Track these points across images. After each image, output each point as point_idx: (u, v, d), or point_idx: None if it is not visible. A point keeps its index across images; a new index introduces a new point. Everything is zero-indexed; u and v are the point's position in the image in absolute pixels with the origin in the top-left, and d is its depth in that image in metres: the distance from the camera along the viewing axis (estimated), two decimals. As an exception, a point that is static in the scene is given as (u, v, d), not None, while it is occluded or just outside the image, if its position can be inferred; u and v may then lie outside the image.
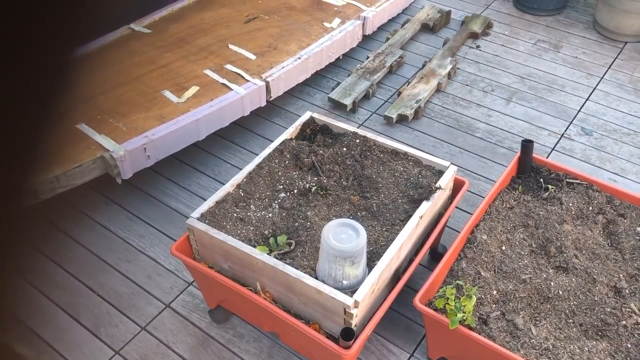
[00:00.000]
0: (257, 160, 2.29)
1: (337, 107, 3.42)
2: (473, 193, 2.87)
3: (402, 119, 3.32)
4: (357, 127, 3.31)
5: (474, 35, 3.98)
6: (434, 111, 3.41)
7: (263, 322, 2.18)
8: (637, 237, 2.17)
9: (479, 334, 1.88)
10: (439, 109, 3.43)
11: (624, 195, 2.30)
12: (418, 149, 2.37)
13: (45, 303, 2.44)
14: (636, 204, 2.28)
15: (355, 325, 1.87)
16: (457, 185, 2.36)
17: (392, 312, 2.36)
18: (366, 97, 3.49)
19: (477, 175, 2.99)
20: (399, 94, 3.44)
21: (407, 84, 3.52)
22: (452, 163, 2.30)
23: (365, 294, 1.83)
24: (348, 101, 3.36)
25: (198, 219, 2.07)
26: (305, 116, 2.51)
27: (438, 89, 3.53)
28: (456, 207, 2.67)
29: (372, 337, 2.30)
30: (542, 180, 2.36)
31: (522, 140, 2.39)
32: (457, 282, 1.97)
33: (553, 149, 3.14)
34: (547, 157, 3.07)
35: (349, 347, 1.80)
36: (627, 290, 2.01)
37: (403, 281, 2.01)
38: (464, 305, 1.87)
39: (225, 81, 3.04)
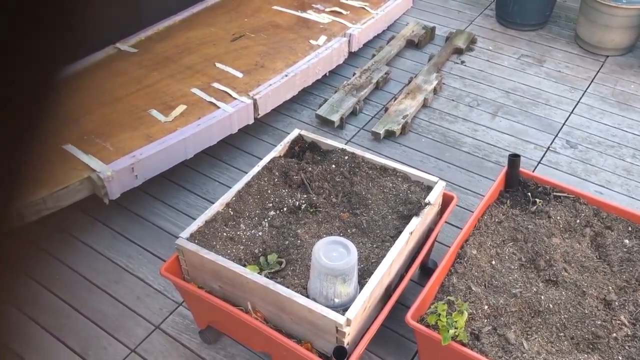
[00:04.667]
0: (246, 178, 2.29)
1: (324, 123, 3.43)
2: (462, 207, 2.89)
3: (389, 134, 3.33)
4: (345, 144, 3.32)
5: (459, 51, 4.03)
6: (420, 126, 3.44)
7: (255, 342, 2.16)
8: (625, 249, 2.19)
9: (471, 349, 1.88)
10: (425, 124, 3.45)
11: (611, 208, 2.33)
12: (406, 165, 2.39)
13: (30, 326, 2.40)
14: (623, 216, 2.30)
15: (348, 344, 1.86)
16: (446, 201, 2.37)
17: (384, 329, 2.35)
18: (353, 113, 3.50)
19: (465, 190, 3.01)
20: (386, 109, 3.46)
21: (393, 99, 3.55)
22: (440, 178, 2.31)
23: (357, 311, 1.82)
24: (335, 117, 3.37)
25: (187, 239, 2.05)
26: (294, 134, 2.52)
27: (424, 105, 3.56)
28: (445, 222, 2.68)
29: (364, 355, 2.28)
30: (529, 194, 2.38)
31: (509, 155, 2.41)
32: (449, 297, 1.97)
33: (539, 162, 3.17)
34: (533, 171, 3.10)
35: (342, 366, 1.79)
36: (616, 303, 2.02)
37: (394, 298, 2.01)
38: (455, 321, 1.87)
39: (212, 99, 3.04)
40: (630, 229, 2.26)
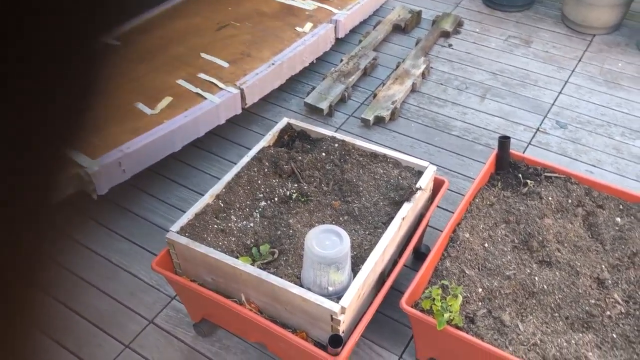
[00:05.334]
0: (236, 169, 2.26)
1: (313, 111, 3.40)
2: (453, 191, 2.88)
3: (378, 120, 3.31)
4: (335, 131, 3.30)
5: (446, 34, 4.00)
6: (410, 111, 3.42)
7: (249, 333, 2.15)
8: (617, 228, 2.20)
9: (467, 332, 1.88)
10: (414, 109, 3.43)
11: (602, 187, 2.33)
12: (396, 150, 2.37)
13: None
14: (614, 195, 2.31)
15: (343, 331, 1.85)
16: (437, 185, 2.36)
17: (379, 315, 2.35)
18: (342, 100, 3.48)
19: (456, 174, 3.00)
20: (375, 95, 3.44)
21: (382, 85, 3.52)
22: (430, 163, 2.30)
23: (352, 299, 1.81)
24: (324, 105, 3.35)
25: (178, 232, 2.03)
26: (283, 122, 2.49)
27: (413, 89, 3.54)
28: (437, 207, 2.68)
29: (359, 341, 2.28)
30: (520, 175, 2.37)
31: (499, 137, 2.40)
32: (443, 282, 1.97)
33: (529, 143, 3.17)
34: (523, 152, 3.09)
35: (338, 354, 1.78)
36: (609, 281, 2.03)
37: (388, 284, 2.00)
38: (450, 305, 1.87)
39: (199, 90, 3.00)
40: (621, 207, 2.27)
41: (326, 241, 1.82)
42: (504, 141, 2.39)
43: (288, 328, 1.93)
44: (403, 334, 2.31)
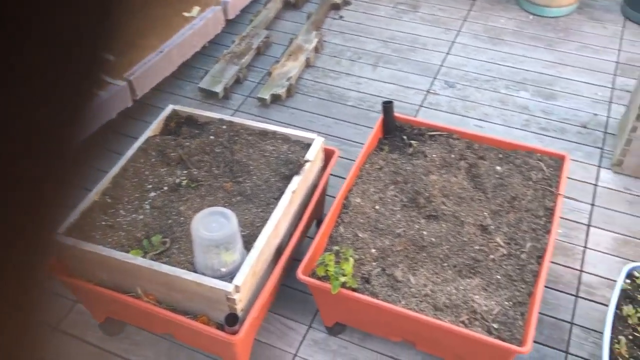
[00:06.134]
0: (121, 162, 2.22)
1: (209, 96, 3.37)
2: (352, 160, 2.94)
3: (275, 98, 3.32)
4: (233, 114, 3.29)
5: (336, 7, 4.04)
6: (306, 86, 3.45)
7: (154, 325, 2.14)
8: (497, 176, 2.32)
9: (362, 293, 1.95)
10: (310, 84, 3.47)
11: (482, 139, 2.45)
12: (295, 127, 2.40)
13: None
14: (493, 145, 2.43)
15: (242, 310, 1.88)
16: (329, 155, 2.41)
17: (287, 289, 2.39)
18: (237, 81, 3.46)
19: (354, 143, 3.07)
20: (270, 74, 3.44)
21: (276, 63, 3.53)
22: (329, 134, 2.34)
23: (245, 277, 1.83)
24: (219, 88, 3.32)
25: (64, 234, 1.97)
26: (167, 110, 2.46)
27: (307, 64, 3.56)
28: (336, 176, 2.74)
29: (269, 318, 2.32)
30: (405, 137, 2.46)
31: (383, 102, 2.47)
32: (334, 247, 2.02)
33: (421, 105, 3.27)
34: (416, 115, 3.20)
35: (236, 332, 1.80)
36: (492, 227, 2.15)
37: (285, 257, 2.04)
38: (343, 269, 1.93)
39: (83, 87, 2.90)
40: (500, 156, 2.40)
41: (213, 223, 1.82)
42: (387, 106, 2.46)
43: (189, 314, 1.94)
44: (311, 304, 2.36)
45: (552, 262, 2.48)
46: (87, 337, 2.30)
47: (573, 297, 2.38)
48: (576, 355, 2.20)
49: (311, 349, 2.24)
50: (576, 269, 2.47)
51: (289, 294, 2.38)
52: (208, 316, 1.93)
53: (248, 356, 2.06)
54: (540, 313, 2.31)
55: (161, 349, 2.25)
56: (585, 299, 2.37)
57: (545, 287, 2.39)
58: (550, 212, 2.17)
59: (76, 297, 2.27)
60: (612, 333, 1.91)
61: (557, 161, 2.34)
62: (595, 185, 2.81)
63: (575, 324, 2.30)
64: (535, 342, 2.23)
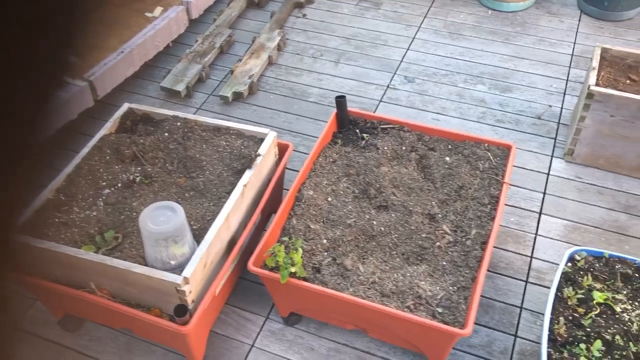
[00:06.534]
0: (76, 161, 2.25)
1: (171, 95, 3.40)
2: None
3: (237, 96, 3.36)
4: (195, 111, 3.33)
5: (299, 5, 4.09)
6: (268, 84, 3.49)
7: (112, 320, 2.17)
8: (446, 166, 2.38)
9: (313, 282, 2.00)
10: (273, 81, 3.51)
11: (432, 131, 2.51)
12: (257, 123, 2.44)
13: None
14: (443, 137, 2.50)
15: (193, 301, 1.92)
16: (283, 149, 2.46)
17: (245, 282, 2.44)
18: (200, 80, 3.49)
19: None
20: (232, 72, 3.48)
21: (239, 61, 3.57)
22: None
23: (195, 269, 1.87)
24: (181, 87, 3.35)
25: (17, 232, 2.00)
26: (123, 108, 2.49)
27: (270, 62, 3.61)
28: (295, 170, 2.78)
29: (227, 310, 2.36)
30: (358, 130, 2.51)
31: (335, 97, 2.52)
32: (283, 238, 2.07)
33: (380, 100, 3.33)
34: (375, 110, 3.26)
35: (187, 323, 1.85)
36: (439, 215, 2.21)
37: (236, 249, 2.08)
38: (292, 259, 1.98)
39: (42, 88, 2.92)
40: (450, 147, 2.46)
41: (160, 217, 1.86)
42: (340, 100, 2.51)
43: (143, 308, 1.97)
44: (268, 296, 2.40)
45: (504, 250, 2.56)
46: (45, 334, 2.33)
47: (523, 283, 2.45)
48: (524, 339, 2.27)
49: (268, 339, 2.29)
50: (527, 256, 2.54)
51: (247, 287, 2.43)
52: (161, 309, 1.97)
53: (203, 348, 2.10)
54: (491, 299, 2.39)
55: (120, 344, 2.28)
56: (535, 284, 2.45)
57: (497, 273, 2.47)
58: (495, 199, 2.24)
59: (33, 295, 2.29)
60: (553, 314, 1.98)
61: (504, 151, 2.41)
62: (548, 174, 2.89)
63: (525, 309, 2.37)
64: (485, 326, 2.31)
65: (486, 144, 2.43)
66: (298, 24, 3.96)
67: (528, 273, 2.48)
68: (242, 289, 2.41)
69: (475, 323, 2.30)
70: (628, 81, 2.78)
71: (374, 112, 2.73)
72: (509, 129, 3.13)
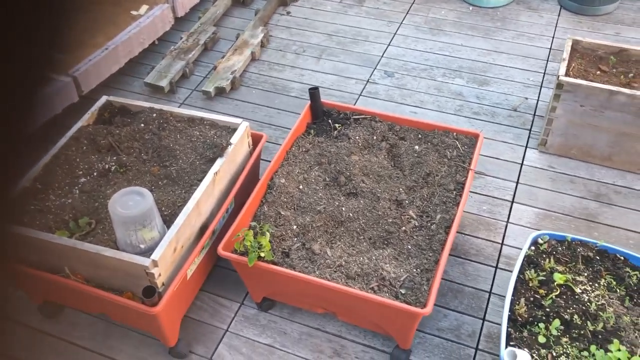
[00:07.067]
0: (53, 151, 2.31)
1: (155, 90, 3.47)
2: (290, 147, 3.05)
3: (220, 91, 3.43)
4: (179, 106, 3.39)
5: (284, 3, 4.16)
6: (250, 79, 3.56)
7: (88, 305, 2.23)
8: (415, 155, 2.44)
9: (281, 266, 2.06)
10: (255, 77, 3.58)
11: (403, 121, 2.57)
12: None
13: None
14: (413, 127, 2.55)
15: (163, 284, 1.98)
16: (257, 140, 2.52)
17: (222, 270, 2.50)
18: (184, 76, 3.56)
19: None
20: (215, 68, 3.55)
21: (222, 57, 3.63)
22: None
23: (163, 252, 1.93)
24: (164, 83, 3.42)
25: (-7, 218, 2.06)
26: (101, 101, 2.56)
27: (253, 58, 3.67)
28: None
29: (202, 296, 2.42)
30: (331, 121, 2.57)
31: (309, 89, 2.59)
32: (251, 223, 2.13)
33: (360, 94, 3.39)
34: (355, 103, 3.32)
35: (155, 304, 1.90)
36: (406, 201, 2.27)
37: (207, 234, 2.14)
38: (259, 242, 2.03)
39: (26, 83, 2.99)
40: (420, 136, 2.52)
41: (129, 202, 1.92)
42: (313, 92, 2.57)
43: (115, 292, 2.03)
44: (243, 283, 2.46)
45: (475, 237, 2.61)
46: (24, 320, 2.38)
47: (493, 269, 2.50)
48: (492, 322, 2.32)
49: (242, 324, 2.35)
50: (498, 243, 2.60)
51: (223, 274, 2.49)
52: (133, 292, 2.03)
53: (176, 331, 2.16)
54: (461, 284, 2.44)
55: (98, 329, 2.34)
56: (505, 269, 2.50)
57: (468, 260, 2.53)
58: (461, 186, 2.29)
59: (12, 282, 2.35)
60: (514, 296, 2.03)
61: (472, 139, 2.46)
62: (521, 164, 2.95)
63: (494, 293, 2.42)
64: (454, 311, 2.36)
65: (454, 133, 2.49)
66: (282, 21, 4.03)
67: (498, 259, 2.53)
68: (218, 276, 2.47)
69: (445, 307, 2.36)
70: (598, 72, 2.84)
71: (333, 102, 2.79)
72: (485, 121, 3.19)
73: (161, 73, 3.49)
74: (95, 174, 2.27)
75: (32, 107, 0.39)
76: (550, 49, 3.68)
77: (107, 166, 2.29)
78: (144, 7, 3.71)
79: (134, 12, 3.66)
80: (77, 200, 2.18)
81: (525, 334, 1.93)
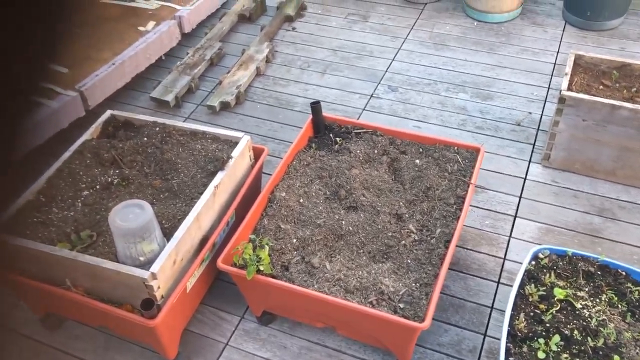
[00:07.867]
0: (57, 164, 2.34)
1: (161, 105, 3.50)
2: (293, 161, 3.07)
3: (225, 106, 3.46)
4: (184, 120, 3.42)
5: (289, 19, 4.20)
6: (255, 94, 3.59)
7: (89, 318, 2.24)
8: (416, 169, 2.44)
9: (280, 279, 2.06)
10: (260, 92, 3.61)
11: (404, 135, 2.58)
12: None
13: None
14: (414, 140, 2.56)
15: (162, 297, 1.99)
16: (259, 153, 2.54)
17: (223, 283, 2.50)
18: (190, 91, 3.60)
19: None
20: (220, 83, 3.58)
21: (227, 73, 3.67)
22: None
23: (162, 265, 1.94)
24: (170, 97, 3.46)
25: (-4, 230, 2.09)
26: (105, 115, 2.59)
27: (258, 73, 3.71)
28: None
29: (203, 309, 2.42)
30: (332, 135, 2.58)
31: (311, 103, 2.60)
32: (250, 236, 2.13)
33: (364, 109, 3.41)
34: (358, 118, 3.33)
35: (154, 316, 1.91)
36: (406, 215, 2.27)
37: (206, 248, 2.15)
38: (258, 256, 2.04)
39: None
40: (421, 150, 2.52)
41: (129, 215, 1.94)
42: (315, 106, 2.59)
43: (115, 304, 2.04)
44: (243, 296, 2.47)
45: (477, 252, 2.60)
46: (26, 332, 2.40)
47: (495, 284, 2.49)
48: (493, 337, 2.30)
49: (242, 338, 2.34)
50: (500, 257, 2.58)
51: (224, 287, 2.49)
52: (132, 305, 2.03)
53: (175, 344, 2.16)
54: (462, 299, 2.43)
55: (99, 341, 2.35)
56: (507, 284, 2.48)
57: (469, 274, 2.52)
58: (461, 200, 2.29)
59: (15, 293, 2.38)
60: (514, 310, 2.02)
61: (473, 153, 2.46)
62: (525, 179, 2.94)
63: (496, 309, 2.40)
64: (455, 326, 2.34)
65: (455, 147, 2.49)
66: (287, 37, 4.07)
67: (500, 274, 2.52)
68: (219, 290, 2.47)
69: (446, 322, 2.34)
70: (601, 86, 2.83)
71: (336, 116, 2.81)
72: (488, 135, 3.19)
73: (167, 88, 3.53)
74: (98, 187, 2.30)
75: (16, 135, 0.38)
76: (555, 63, 3.68)
77: (109, 179, 2.31)
78: (151, 23, 3.77)
79: (141, 28, 3.72)
80: (79, 213, 2.20)
81: (524, 349, 1.92)
